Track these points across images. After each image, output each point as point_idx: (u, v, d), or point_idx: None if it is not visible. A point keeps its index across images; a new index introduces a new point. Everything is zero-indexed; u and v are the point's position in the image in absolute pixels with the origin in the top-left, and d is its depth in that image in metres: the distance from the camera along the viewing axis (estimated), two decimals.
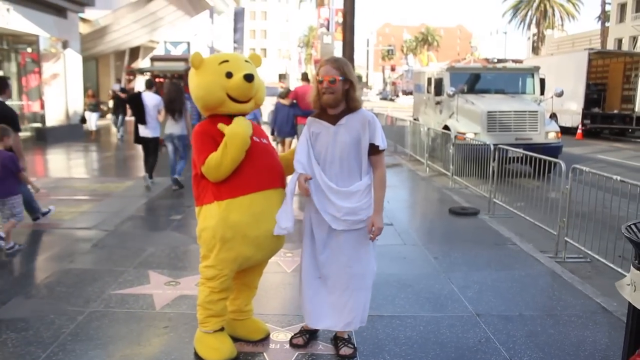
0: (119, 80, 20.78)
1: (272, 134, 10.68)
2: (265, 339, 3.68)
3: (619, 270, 4.92)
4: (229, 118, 3.29)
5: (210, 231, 3.19)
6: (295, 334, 3.69)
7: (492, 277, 5.09)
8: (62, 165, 12.24)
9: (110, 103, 20.39)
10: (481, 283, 4.91)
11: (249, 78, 3.23)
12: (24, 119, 16.74)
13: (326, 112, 3.30)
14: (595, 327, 4.03)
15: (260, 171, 3.26)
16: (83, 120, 18.92)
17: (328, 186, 3.25)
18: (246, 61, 3.40)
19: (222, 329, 3.43)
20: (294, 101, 10.35)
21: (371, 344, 3.69)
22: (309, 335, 3.67)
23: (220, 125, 3.22)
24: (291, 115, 10.38)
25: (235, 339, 3.56)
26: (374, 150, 3.26)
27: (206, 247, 3.26)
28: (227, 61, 3.29)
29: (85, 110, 18.78)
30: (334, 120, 3.26)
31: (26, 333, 3.71)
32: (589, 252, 5.54)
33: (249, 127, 3.24)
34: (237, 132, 3.15)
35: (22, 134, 15.32)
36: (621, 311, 4.20)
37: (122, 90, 19.06)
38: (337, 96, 3.21)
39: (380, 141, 3.25)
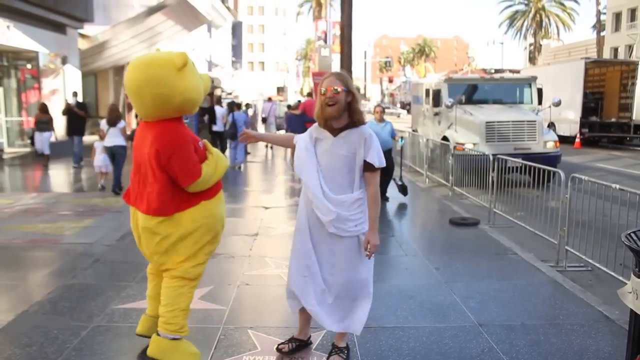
0: (75, 93, 15.68)
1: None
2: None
3: (620, 278, 4.93)
4: (178, 120, 3.36)
5: (205, 228, 3.35)
6: (283, 341, 3.71)
7: (494, 287, 5.10)
8: (63, 181, 12.26)
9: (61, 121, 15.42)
10: (483, 293, 4.92)
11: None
12: (23, 135, 16.81)
13: (329, 125, 3.32)
14: (597, 336, 4.04)
15: None
16: (32, 141, 15.12)
17: (322, 189, 3.30)
18: None
19: None
20: (303, 111, 13.69)
21: (374, 355, 3.69)
22: (297, 345, 3.69)
23: (207, 143, 3.54)
24: (301, 121, 13.00)
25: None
26: (367, 167, 3.29)
27: (195, 246, 3.35)
28: (194, 64, 3.39)
29: (34, 129, 14.44)
30: (335, 132, 3.31)
31: (30, 349, 3.71)
32: (590, 260, 5.55)
33: None
34: (224, 159, 3.55)
35: (22, 150, 15.40)
36: (623, 319, 4.21)
37: (80, 105, 14.57)
38: (339, 107, 3.24)
39: (376, 159, 3.27)
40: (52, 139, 14.36)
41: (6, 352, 3.67)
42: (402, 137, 11.19)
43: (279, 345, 3.68)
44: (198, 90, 3.33)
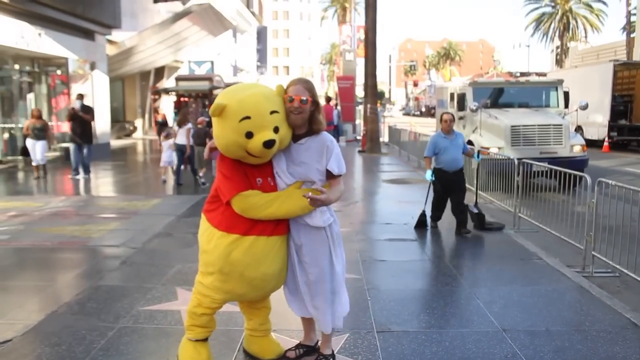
0: (80, 96, 13.76)
1: None
2: (277, 359, 3.66)
3: None
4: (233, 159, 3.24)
5: (210, 257, 3.22)
6: (290, 348, 3.71)
7: (518, 292, 5.05)
8: (90, 184, 12.48)
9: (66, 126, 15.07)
10: (507, 298, 4.88)
11: (269, 145, 3.04)
12: (53, 139, 17.19)
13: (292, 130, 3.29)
14: (625, 343, 3.97)
15: None
16: (24, 151, 13.86)
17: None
18: (272, 112, 3.09)
19: (205, 339, 3.45)
20: None
21: (397, 359, 3.70)
22: (304, 350, 3.69)
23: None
24: None
25: (249, 355, 3.67)
26: (328, 174, 3.28)
27: (204, 265, 3.29)
28: (248, 118, 3.02)
29: (26, 137, 13.00)
30: (295, 138, 3.28)
31: (59, 348, 3.81)
32: (618, 266, 5.46)
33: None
34: (299, 210, 3.18)
35: (51, 154, 15.75)
36: None
37: (85, 108, 13.27)
38: (304, 116, 3.21)
39: (335, 166, 3.25)
40: (47, 150, 13.46)
41: (37, 350, 3.78)
42: (478, 152, 8.39)
43: (286, 351, 3.68)
44: (224, 143, 3.13)
